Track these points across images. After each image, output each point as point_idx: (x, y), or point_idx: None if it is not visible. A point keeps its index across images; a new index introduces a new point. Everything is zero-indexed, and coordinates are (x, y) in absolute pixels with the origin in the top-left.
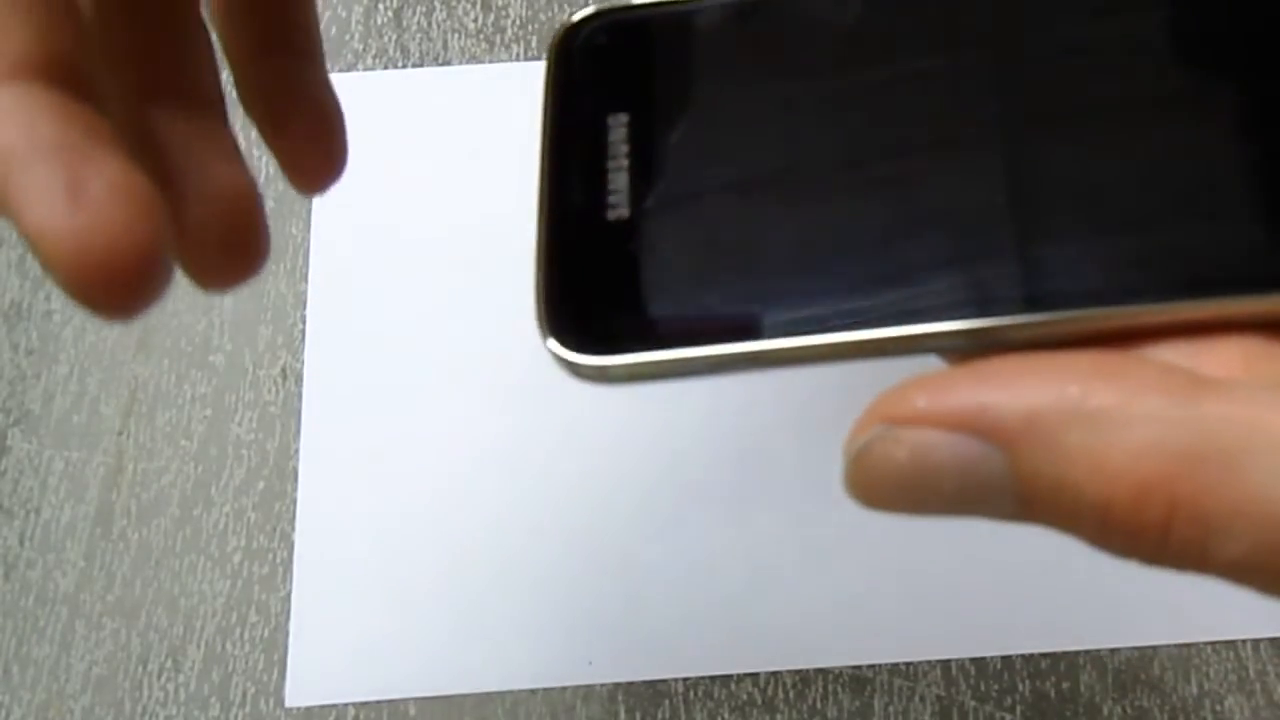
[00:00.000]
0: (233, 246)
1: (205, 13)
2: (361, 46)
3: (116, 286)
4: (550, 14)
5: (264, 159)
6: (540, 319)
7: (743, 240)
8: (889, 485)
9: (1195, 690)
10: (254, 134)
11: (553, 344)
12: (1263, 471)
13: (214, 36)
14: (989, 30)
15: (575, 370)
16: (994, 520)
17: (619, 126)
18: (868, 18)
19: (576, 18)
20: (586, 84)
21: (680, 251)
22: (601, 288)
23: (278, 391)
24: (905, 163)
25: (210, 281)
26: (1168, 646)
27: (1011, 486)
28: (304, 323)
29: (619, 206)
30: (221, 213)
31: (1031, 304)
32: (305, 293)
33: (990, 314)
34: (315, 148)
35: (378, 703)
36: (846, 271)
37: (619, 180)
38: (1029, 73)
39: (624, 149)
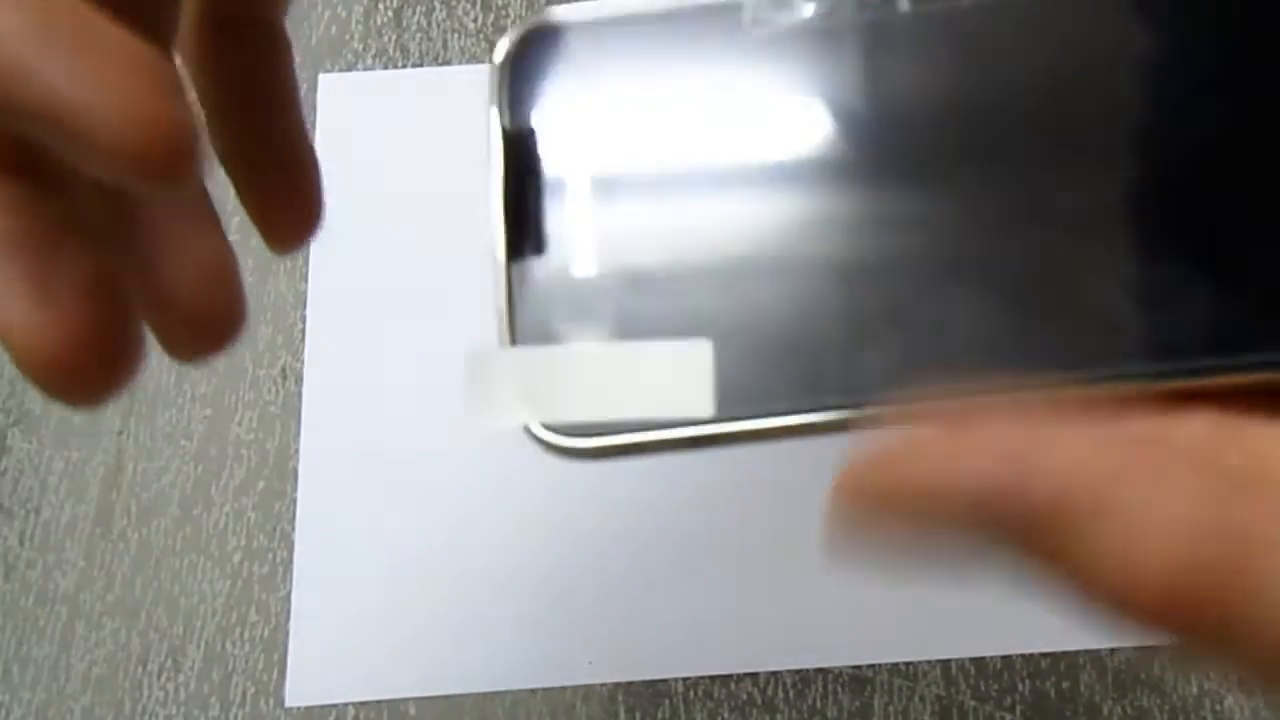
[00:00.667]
0: (209, 319)
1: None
2: (361, 46)
3: (83, 383)
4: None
5: None
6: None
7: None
8: (864, 554)
9: (1195, 690)
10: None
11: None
12: None
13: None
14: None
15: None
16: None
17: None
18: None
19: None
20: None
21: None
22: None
23: (278, 391)
24: (872, 241)
25: (185, 353)
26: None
27: (1005, 539)
28: (304, 323)
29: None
30: (197, 284)
31: (1007, 375)
32: (305, 293)
33: (964, 388)
34: (291, 208)
35: (377, 702)
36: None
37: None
38: (986, 170)
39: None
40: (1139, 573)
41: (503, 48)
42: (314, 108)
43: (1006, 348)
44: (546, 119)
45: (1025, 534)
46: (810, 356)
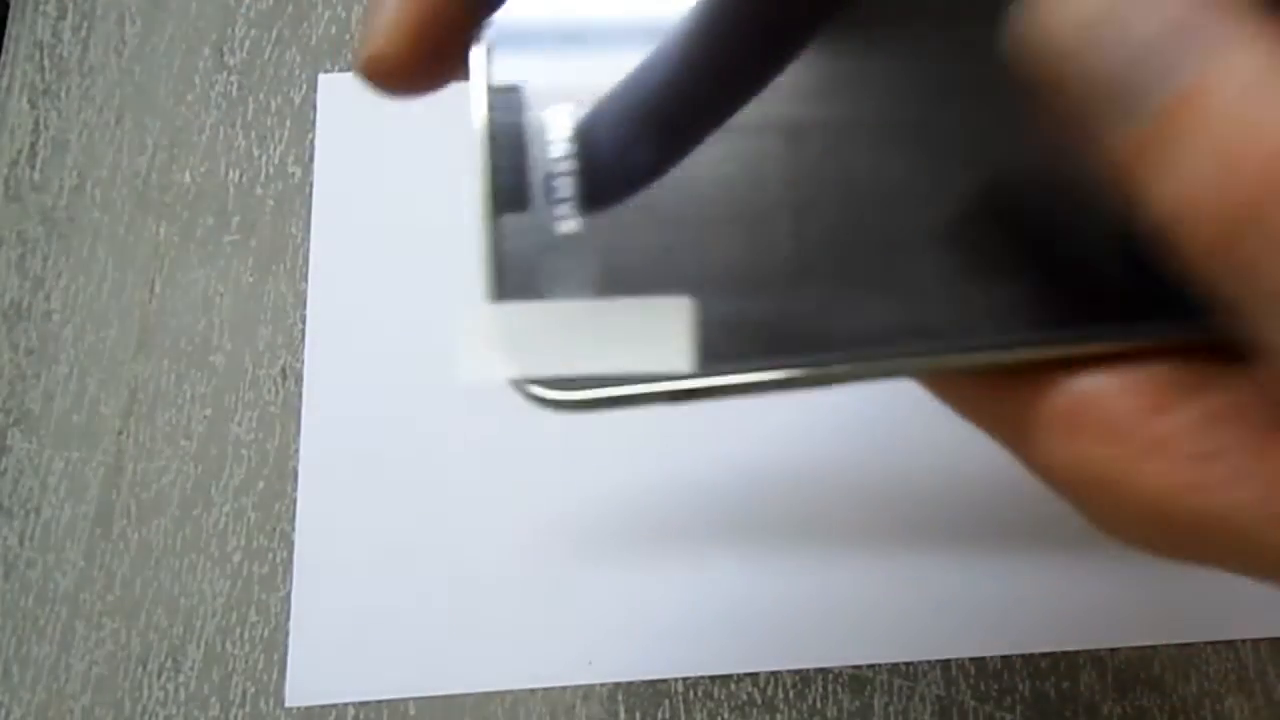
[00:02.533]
0: None
1: None
2: None
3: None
4: None
5: (263, 158)
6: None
7: (689, 256)
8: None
9: (1195, 690)
10: (253, 133)
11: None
12: None
13: None
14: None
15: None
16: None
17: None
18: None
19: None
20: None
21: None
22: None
23: (278, 391)
24: (842, 197)
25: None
26: (1168, 646)
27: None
28: (304, 323)
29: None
30: None
31: (987, 339)
32: (305, 293)
33: (948, 348)
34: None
35: (377, 702)
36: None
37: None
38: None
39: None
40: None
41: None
42: (314, 107)
43: (976, 304)
44: (529, 75)
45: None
46: (788, 310)
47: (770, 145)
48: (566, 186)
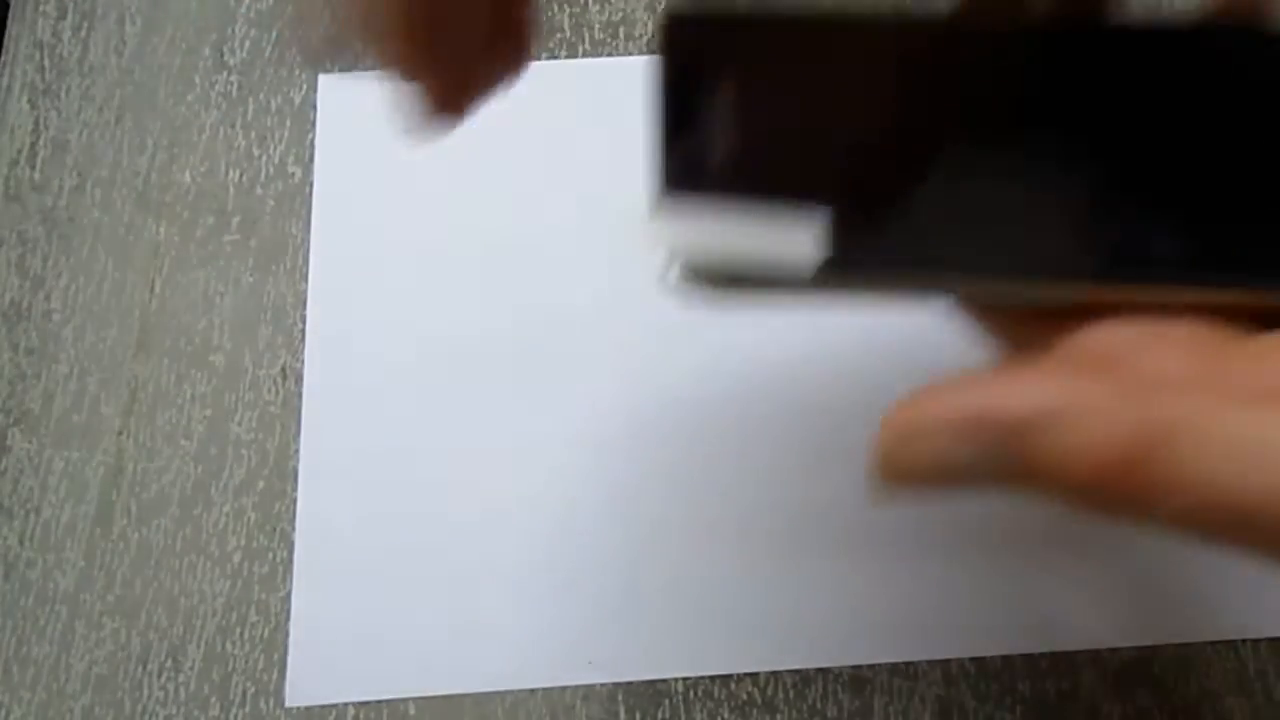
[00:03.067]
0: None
1: None
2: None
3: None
4: (550, 13)
5: (263, 158)
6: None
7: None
8: (914, 478)
9: (1195, 690)
10: (253, 133)
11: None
12: (1193, 458)
13: None
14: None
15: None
16: (992, 487)
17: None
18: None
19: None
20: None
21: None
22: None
23: (278, 391)
24: (988, 153)
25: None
26: (1168, 646)
27: (1014, 465)
28: (304, 323)
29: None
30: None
31: (1075, 273)
32: (305, 293)
33: (1048, 273)
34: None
35: (377, 702)
36: (943, 220)
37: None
38: (1096, 130)
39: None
40: (1086, 456)
41: None
42: (314, 107)
43: (1055, 244)
44: (706, 45)
45: (1005, 445)
46: (896, 226)
47: (906, 127)
48: (724, 121)
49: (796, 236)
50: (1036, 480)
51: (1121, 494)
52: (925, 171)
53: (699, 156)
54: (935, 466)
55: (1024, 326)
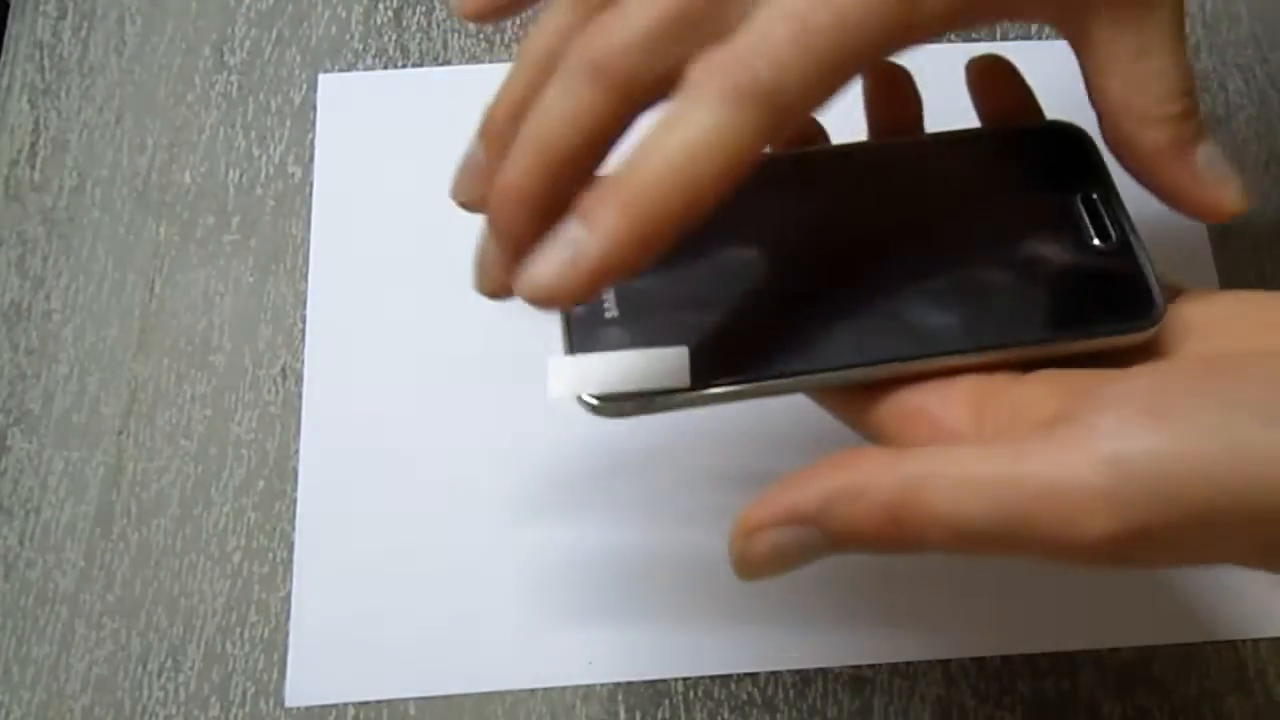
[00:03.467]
0: None
1: None
2: (361, 46)
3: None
4: None
5: (263, 157)
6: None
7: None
8: (765, 567)
9: (1195, 690)
10: (253, 133)
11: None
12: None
13: None
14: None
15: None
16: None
17: None
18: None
19: None
20: None
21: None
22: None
23: (278, 391)
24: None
25: None
26: (1168, 646)
27: (824, 539)
28: (304, 323)
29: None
30: None
31: (859, 361)
32: (305, 293)
33: (841, 365)
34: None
35: (377, 702)
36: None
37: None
38: (871, 238)
39: None
40: (866, 521)
41: None
42: (314, 107)
43: (872, 338)
44: None
45: (815, 527)
46: (740, 354)
47: (732, 265)
48: (610, 293)
49: (666, 370)
50: (845, 546)
51: (902, 540)
52: (752, 300)
53: (592, 320)
54: (775, 554)
55: (855, 398)
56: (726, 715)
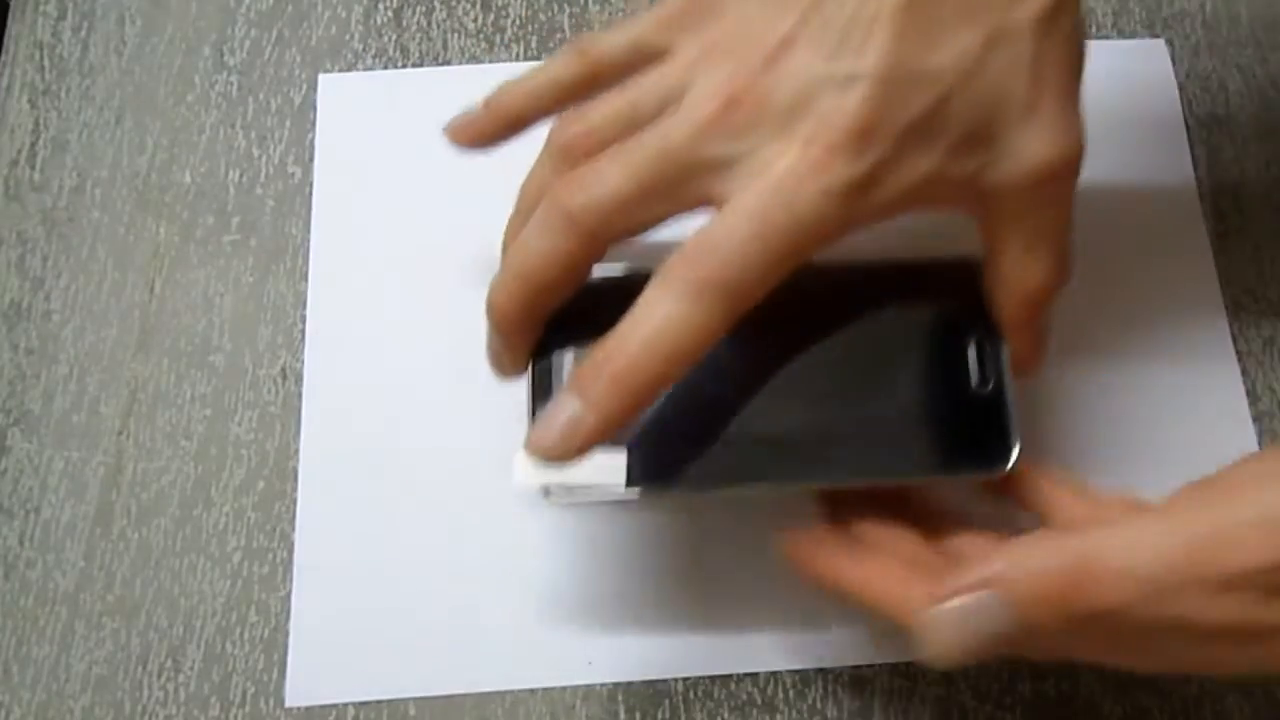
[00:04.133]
0: None
1: None
2: (361, 46)
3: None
4: (550, 14)
5: (263, 158)
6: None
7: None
8: (950, 635)
9: (1195, 690)
10: (253, 133)
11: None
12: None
13: None
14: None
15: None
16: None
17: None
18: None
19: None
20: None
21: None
22: None
23: (278, 391)
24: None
25: None
26: None
27: (1005, 606)
28: (304, 323)
29: None
30: None
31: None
32: (305, 293)
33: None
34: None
35: (377, 702)
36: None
37: None
38: (818, 362)
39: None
40: (893, 602)
41: None
42: (314, 108)
43: (802, 456)
44: (558, 347)
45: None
46: (681, 460)
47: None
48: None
49: (613, 472)
50: (1025, 612)
51: (1079, 596)
52: (683, 413)
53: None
54: (959, 619)
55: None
56: (726, 715)
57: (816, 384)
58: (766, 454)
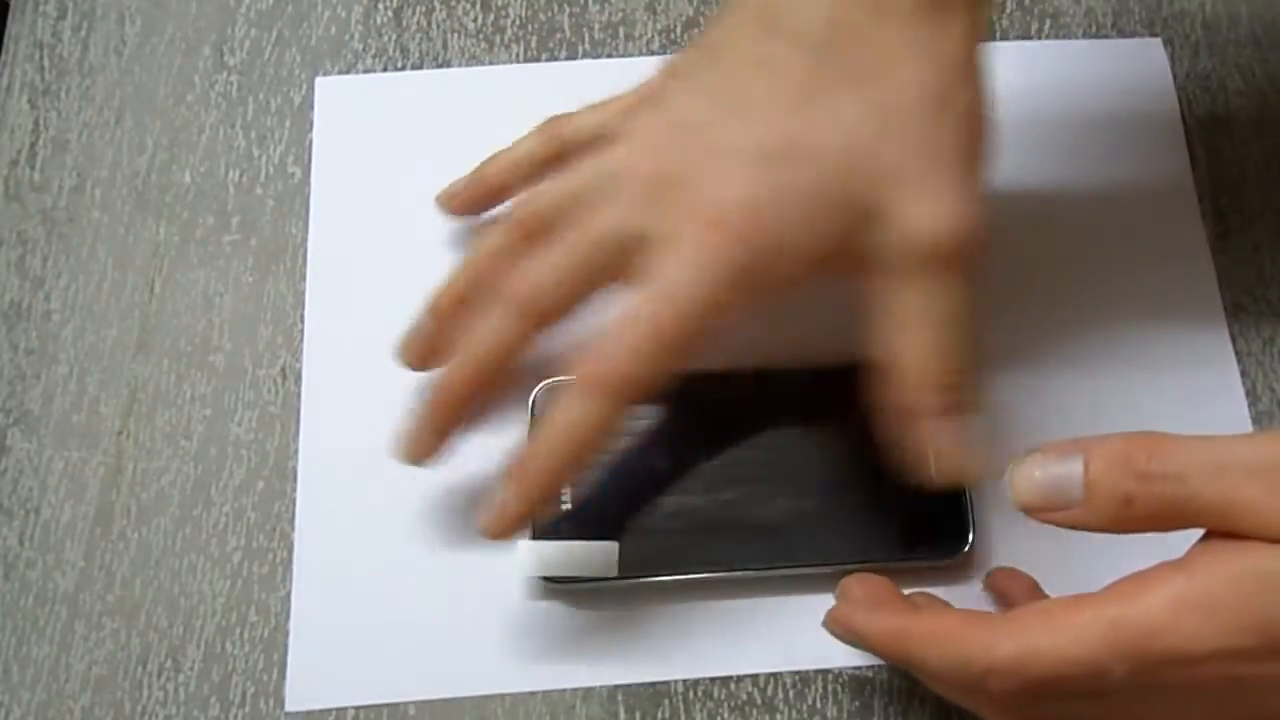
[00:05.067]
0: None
1: None
2: (361, 46)
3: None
4: (550, 14)
5: (263, 158)
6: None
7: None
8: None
9: None
10: (253, 133)
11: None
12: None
13: None
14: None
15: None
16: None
17: None
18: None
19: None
20: None
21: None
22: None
23: (277, 391)
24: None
25: None
26: None
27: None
28: (303, 323)
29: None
30: None
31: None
32: (305, 293)
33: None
34: None
35: (378, 705)
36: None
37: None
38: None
39: None
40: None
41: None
42: (313, 107)
43: (776, 542)
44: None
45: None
46: (666, 549)
47: (659, 472)
48: (567, 490)
49: (600, 560)
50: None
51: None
52: (668, 506)
53: (553, 511)
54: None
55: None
56: (726, 715)
57: (792, 479)
58: (744, 542)
